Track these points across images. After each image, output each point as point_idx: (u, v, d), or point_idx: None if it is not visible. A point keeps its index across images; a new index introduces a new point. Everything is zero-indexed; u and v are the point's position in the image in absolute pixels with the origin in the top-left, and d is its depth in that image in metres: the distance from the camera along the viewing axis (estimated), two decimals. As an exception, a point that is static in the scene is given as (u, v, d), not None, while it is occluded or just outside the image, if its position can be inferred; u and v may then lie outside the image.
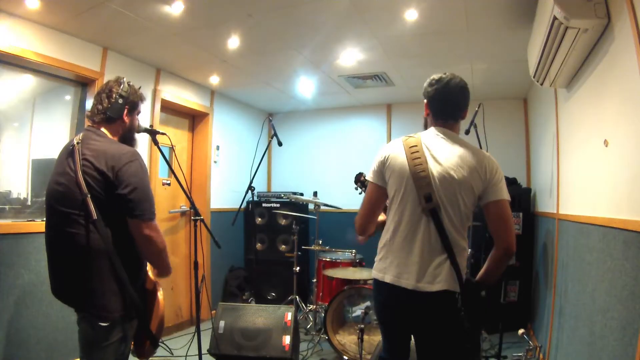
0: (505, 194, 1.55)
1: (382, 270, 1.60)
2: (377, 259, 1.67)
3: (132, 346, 1.69)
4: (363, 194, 1.97)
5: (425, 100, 1.69)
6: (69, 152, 1.58)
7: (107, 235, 1.51)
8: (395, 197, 1.60)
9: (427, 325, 1.56)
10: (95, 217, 1.48)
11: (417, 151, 1.57)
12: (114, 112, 1.67)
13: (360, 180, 2.04)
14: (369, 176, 1.71)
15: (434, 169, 1.54)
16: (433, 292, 1.49)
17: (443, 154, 1.57)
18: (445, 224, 1.51)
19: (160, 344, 1.78)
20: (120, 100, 1.68)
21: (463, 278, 1.51)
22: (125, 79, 1.74)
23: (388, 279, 1.57)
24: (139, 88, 1.80)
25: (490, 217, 1.55)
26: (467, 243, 1.58)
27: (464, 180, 1.52)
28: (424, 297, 1.50)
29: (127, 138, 1.75)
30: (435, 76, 1.66)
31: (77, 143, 1.57)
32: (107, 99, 1.67)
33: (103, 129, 1.66)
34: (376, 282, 1.64)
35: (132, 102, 1.73)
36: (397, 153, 1.62)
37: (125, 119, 1.72)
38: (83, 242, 1.50)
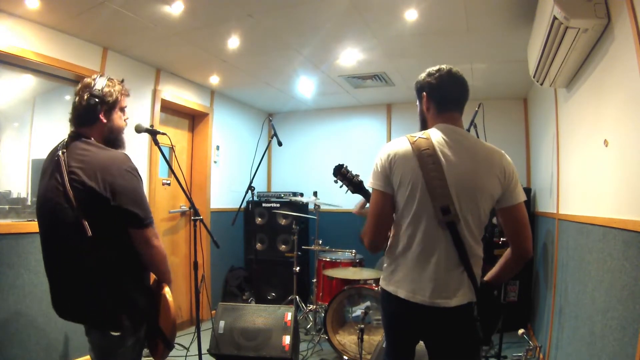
0: (522, 195, 1.47)
1: (395, 283, 1.48)
2: (386, 267, 1.54)
3: (146, 346, 1.66)
4: (345, 187, 1.85)
5: (424, 94, 1.53)
6: (54, 164, 1.49)
7: (103, 248, 1.44)
8: (407, 208, 1.44)
9: (442, 338, 1.48)
10: (89, 233, 1.40)
11: (431, 155, 1.40)
12: (89, 114, 1.55)
13: (340, 172, 1.82)
14: (372, 182, 1.51)
15: (451, 177, 1.39)
16: (451, 307, 1.40)
17: (459, 158, 1.42)
18: (464, 235, 1.40)
19: (174, 345, 1.75)
20: (93, 101, 1.54)
21: (478, 285, 1.44)
22: (99, 76, 1.61)
23: (402, 294, 1.45)
24: (122, 80, 1.67)
25: (508, 221, 1.47)
26: (482, 249, 1.47)
27: (484, 188, 1.41)
28: (442, 312, 1.40)
29: (111, 139, 1.63)
30: (432, 68, 1.53)
31: (62, 153, 1.48)
32: (80, 100, 1.55)
33: (86, 133, 1.55)
34: (387, 294, 1.50)
35: (109, 102, 1.58)
36: (405, 156, 1.43)
37: (103, 119, 1.57)
38: (79, 258, 1.43)
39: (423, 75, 1.55)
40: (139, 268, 1.57)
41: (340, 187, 1.87)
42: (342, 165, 1.83)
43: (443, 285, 1.40)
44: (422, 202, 1.41)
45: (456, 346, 1.46)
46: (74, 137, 1.54)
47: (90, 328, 1.53)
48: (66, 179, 1.42)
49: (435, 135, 1.46)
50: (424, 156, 1.40)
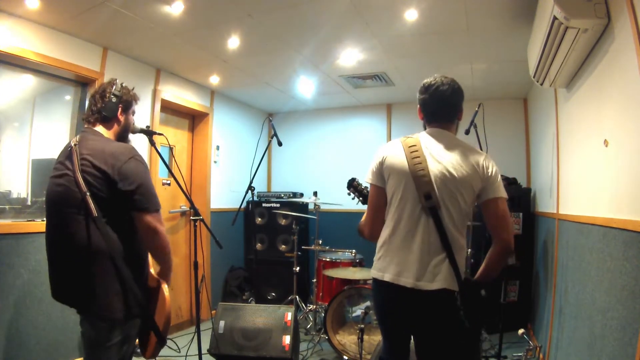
0: (503, 192, 1.57)
1: (382, 269, 1.61)
2: (376, 258, 1.66)
3: (136, 345, 1.69)
4: (356, 199, 2.03)
5: (418, 106, 1.71)
6: (67, 154, 1.59)
7: (108, 233, 1.51)
8: (395, 196, 1.61)
9: (426, 324, 1.56)
10: (95, 214, 1.48)
11: (417, 150, 1.59)
12: (108, 112, 1.69)
13: (353, 185, 2.01)
14: (368, 178, 1.70)
15: (434, 168, 1.55)
16: (432, 291, 1.49)
17: (442, 153, 1.58)
18: (445, 222, 1.52)
19: (167, 341, 1.78)
20: (114, 99, 1.70)
21: (462, 277, 1.51)
22: (118, 80, 1.76)
23: (387, 277, 1.57)
24: (133, 88, 1.82)
25: (488, 215, 1.57)
26: (465, 242, 1.60)
27: (464, 179, 1.54)
28: (423, 295, 1.50)
29: (123, 138, 1.77)
30: (426, 81, 1.67)
31: (75, 144, 1.58)
32: (101, 99, 1.69)
33: (99, 129, 1.68)
34: (375, 281, 1.64)
35: (126, 101, 1.75)
36: (395, 153, 1.63)
37: (120, 117, 1.74)
38: (84, 242, 1.49)
39: (421, 85, 1.70)
40: (139, 259, 1.63)
41: (352, 198, 2.05)
42: (355, 178, 2.03)
43: (425, 268, 1.52)
44: (407, 190, 1.57)
45: (441, 334, 1.54)
46: (86, 132, 1.66)
47: (83, 317, 1.57)
48: (77, 165, 1.52)
49: (422, 135, 1.67)
50: (411, 151, 1.60)
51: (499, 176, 1.59)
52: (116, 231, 1.54)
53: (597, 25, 1.67)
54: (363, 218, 1.76)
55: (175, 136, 4.12)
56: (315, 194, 4.03)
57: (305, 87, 4.24)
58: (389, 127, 4.91)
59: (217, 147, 4.47)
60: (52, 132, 3.01)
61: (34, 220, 2.68)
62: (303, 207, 4.65)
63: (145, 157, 3.48)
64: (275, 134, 3.52)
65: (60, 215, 1.54)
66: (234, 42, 3.05)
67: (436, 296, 1.49)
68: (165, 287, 1.71)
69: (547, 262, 3.00)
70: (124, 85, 1.77)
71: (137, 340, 1.70)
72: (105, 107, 1.68)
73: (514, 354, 3.05)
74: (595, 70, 1.87)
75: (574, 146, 2.30)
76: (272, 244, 4.66)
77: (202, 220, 2.25)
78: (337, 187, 4.79)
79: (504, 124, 4.29)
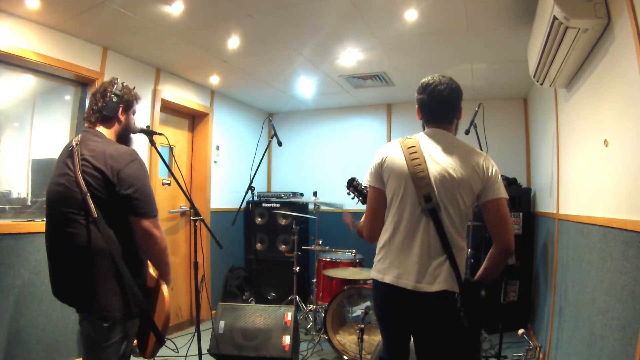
0: (503, 193, 1.55)
1: (382, 270, 1.60)
2: (376, 259, 1.66)
3: (135, 345, 1.69)
4: (356, 199, 2.02)
5: (416, 106, 1.71)
6: (68, 153, 1.60)
7: (108, 233, 1.52)
8: (395, 197, 1.60)
9: (426, 326, 1.56)
10: (95, 215, 1.49)
11: (416, 152, 1.58)
12: (109, 111, 1.69)
13: (352, 185, 2.01)
14: (366, 179, 1.70)
15: (433, 169, 1.54)
16: (432, 293, 1.49)
17: (441, 154, 1.57)
18: (445, 224, 1.52)
19: (166, 340, 1.78)
20: (115, 99, 1.70)
21: (462, 278, 1.51)
22: (119, 79, 1.76)
23: (388, 279, 1.57)
24: (134, 88, 1.81)
25: (488, 215, 1.56)
26: (465, 243, 1.59)
27: (463, 180, 1.52)
28: (424, 297, 1.50)
29: (124, 137, 1.77)
30: (424, 81, 1.66)
31: (76, 144, 1.58)
32: (102, 98, 1.69)
33: (100, 129, 1.68)
34: (375, 282, 1.64)
35: (127, 101, 1.75)
36: (395, 154, 1.62)
37: (121, 117, 1.74)
38: (83, 242, 1.50)
39: (419, 85, 1.68)
40: (138, 259, 1.63)
41: (352, 198, 2.04)
42: (354, 178, 2.01)
43: (425, 270, 1.51)
44: (407, 192, 1.56)
45: (441, 335, 1.53)
46: (87, 132, 1.66)
47: (83, 317, 1.57)
48: (78, 165, 1.52)
49: (421, 136, 1.66)
50: (410, 152, 1.58)
51: (499, 177, 1.58)
52: (116, 231, 1.54)
53: (597, 25, 1.67)
54: (362, 219, 1.76)
55: (175, 136, 4.12)
56: (315, 194, 4.03)
57: (305, 87, 4.24)
58: (389, 127, 4.91)
59: (217, 147, 4.47)
60: (52, 132, 3.01)
61: (34, 220, 2.68)
62: (303, 207, 4.65)
63: (146, 157, 3.48)
64: (275, 134, 3.52)
65: (60, 215, 1.54)
66: (234, 42, 3.05)
67: (436, 298, 1.49)
68: (164, 287, 1.71)
69: (547, 262, 3.00)
70: (124, 84, 1.76)
71: (135, 340, 1.70)
72: (106, 107, 1.68)
73: (514, 354, 3.05)
74: (595, 70, 1.87)
75: (574, 146, 2.30)
76: (272, 244, 4.66)
77: (202, 220, 2.25)
78: (337, 187, 4.79)
79: (504, 124, 4.29)
